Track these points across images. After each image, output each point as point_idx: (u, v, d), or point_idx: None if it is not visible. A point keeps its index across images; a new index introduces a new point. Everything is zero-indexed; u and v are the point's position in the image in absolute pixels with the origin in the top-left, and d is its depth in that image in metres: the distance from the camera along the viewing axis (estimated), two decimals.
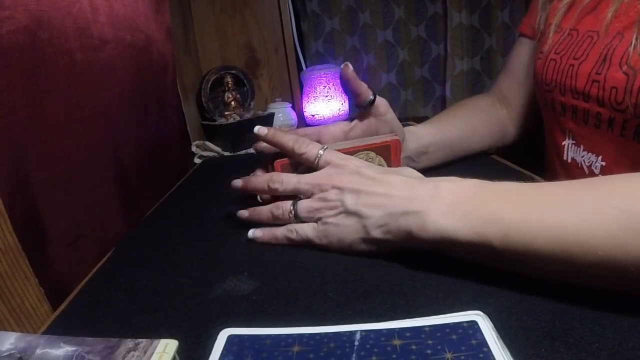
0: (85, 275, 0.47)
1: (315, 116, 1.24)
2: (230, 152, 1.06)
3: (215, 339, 0.30)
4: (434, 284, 0.36)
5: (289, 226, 0.45)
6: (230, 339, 0.29)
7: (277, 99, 1.27)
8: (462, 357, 0.26)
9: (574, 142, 0.53)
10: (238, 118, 1.09)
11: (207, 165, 0.98)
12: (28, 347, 0.28)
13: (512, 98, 0.71)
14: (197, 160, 1.03)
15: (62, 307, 0.41)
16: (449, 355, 0.26)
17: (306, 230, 0.43)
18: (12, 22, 0.41)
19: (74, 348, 0.28)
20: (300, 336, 0.29)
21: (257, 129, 0.48)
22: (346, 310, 0.34)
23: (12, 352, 0.28)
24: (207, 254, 0.47)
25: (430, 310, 0.32)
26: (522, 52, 0.71)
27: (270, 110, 1.18)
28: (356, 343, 0.28)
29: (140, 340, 0.28)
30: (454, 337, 0.28)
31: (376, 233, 0.39)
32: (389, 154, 0.54)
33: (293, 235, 0.44)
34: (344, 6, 1.39)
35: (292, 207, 0.44)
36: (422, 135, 0.62)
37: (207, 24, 1.24)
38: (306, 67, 1.37)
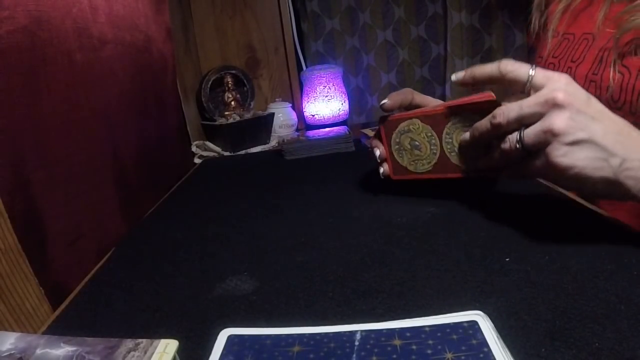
0: (85, 275, 0.47)
1: (315, 116, 1.24)
2: (230, 152, 1.06)
3: (215, 339, 0.30)
4: (434, 284, 0.36)
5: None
6: (231, 339, 0.29)
7: (277, 99, 1.27)
8: (463, 357, 0.26)
9: None
10: (238, 118, 1.09)
11: (207, 165, 0.98)
12: (28, 347, 0.28)
13: None
14: (197, 160, 1.03)
15: (62, 307, 0.41)
16: (449, 355, 0.26)
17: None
18: (11, 22, 0.41)
19: (74, 348, 0.28)
20: (301, 336, 0.29)
21: (455, 77, 0.45)
22: (346, 310, 0.34)
23: (12, 352, 0.28)
24: (207, 254, 0.47)
25: (430, 310, 0.32)
26: None
27: (270, 110, 1.18)
28: (356, 343, 0.28)
29: (140, 340, 0.28)
30: (455, 337, 0.28)
31: (620, 177, 0.36)
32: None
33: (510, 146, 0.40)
34: (344, 6, 1.39)
35: (518, 135, 0.39)
36: None
37: (207, 24, 1.24)
38: (306, 67, 1.37)
